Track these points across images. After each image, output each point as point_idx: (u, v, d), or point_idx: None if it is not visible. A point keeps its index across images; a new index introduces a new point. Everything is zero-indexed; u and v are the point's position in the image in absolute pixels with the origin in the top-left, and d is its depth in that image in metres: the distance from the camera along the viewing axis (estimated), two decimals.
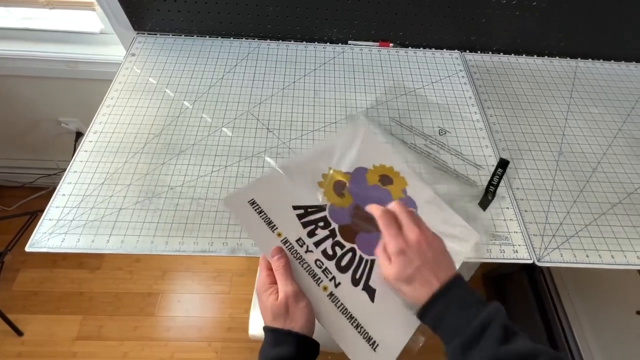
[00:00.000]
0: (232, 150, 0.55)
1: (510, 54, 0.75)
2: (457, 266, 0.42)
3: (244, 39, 0.72)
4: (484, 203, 0.47)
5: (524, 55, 0.75)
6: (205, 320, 1.13)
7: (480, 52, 0.75)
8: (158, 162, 0.53)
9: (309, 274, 0.39)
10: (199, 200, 0.50)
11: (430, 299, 0.33)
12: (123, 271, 1.21)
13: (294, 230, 0.41)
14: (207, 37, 0.72)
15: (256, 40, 0.72)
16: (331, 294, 0.38)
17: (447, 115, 0.63)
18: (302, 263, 0.39)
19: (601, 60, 0.75)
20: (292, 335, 0.35)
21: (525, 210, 0.52)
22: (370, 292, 0.39)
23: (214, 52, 0.69)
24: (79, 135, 1.08)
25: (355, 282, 0.39)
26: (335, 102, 0.62)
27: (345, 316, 0.37)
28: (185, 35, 0.72)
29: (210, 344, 1.08)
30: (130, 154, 0.54)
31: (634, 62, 0.76)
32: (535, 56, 0.75)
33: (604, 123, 0.64)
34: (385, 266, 0.35)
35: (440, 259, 0.35)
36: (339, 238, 0.41)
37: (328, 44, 0.73)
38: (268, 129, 0.58)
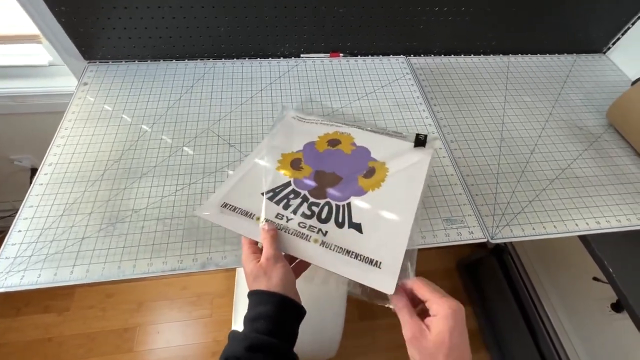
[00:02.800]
0: (195, 167, 0.56)
1: (450, 55, 0.82)
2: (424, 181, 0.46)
3: (198, 60, 0.74)
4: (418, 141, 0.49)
5: (462, 55, 0.82)
6: (189, 348, 1.09)
7: (424, 55, 0.81)
8: (120, 187, 0.53)
9: (296, 236, 0.41)
10: (164, 220, 0.50)
11: None
12: (95, 309, 1.15)
13: (270, 210, 0.43)
14: (161, 60, 0.73)
15: (210, 60, 0.74)
16: (323, 243, 0.40)
17: (399, 116, 0.67)
18: (287, 231, 0.41)
19: (529, 54, 0.84)
20: (269, 294, 0.35)
21: (476, 194, 0.57)
22: (357, 227, 0.41)
23: (169, 75, 0.70)
24: (34, 171, 1.03)
25: (339, 225, 0.42)
26: None
27: (343, 254, 0.39)
28: (138, 61, 0.72)
29: None
30: (89, 182, 0.53)
31: (556, 54, 0.85)
32: (472, 55, 0.82)
33: (536, 109, 0.71)
34: (420, 325, 0.32)
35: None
36: (311, 199, 0.44)
37: (281, 58, 0.76)
38: (229, 143, 0.60)
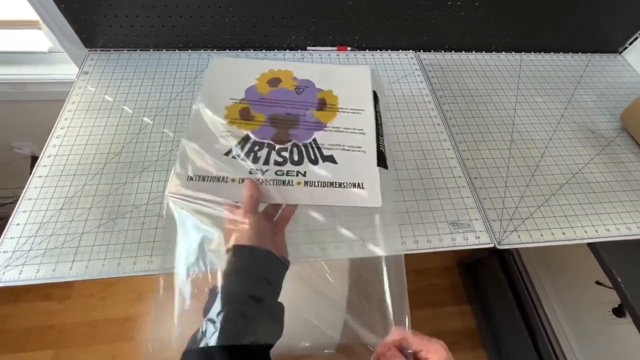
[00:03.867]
0: None
1: (461, 51, 0.79)
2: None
3: (202, 51, 0.72)
4: (380, 156, 0.45)
5: (473, 52, 0.79)
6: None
7: (434, 51, 0.78)
8: (120, 182, 0.52)
9: (278, 185, 0.41)
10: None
11: None
12: (95, 298, 1.15)
13: (240, 169, 0.42)
14: (164, 50, 0.71)
15: (215, 51, 0.72)
16: (306, 182, 0.41)
17: (407, 114, 0.66)
18: (267, 183, 0.41)
19: (542, 53, 0.81)
20: (243, 247, 0.34)
21: (484, 198, 0.56)
22: (330, 159, 0.44)
23: (172, 66, 0.68)
24: (35, 159, 1.02)
25: (313, 162, 0.43)
26: None
27: (327, 187, 0.41)
28: (140, 50, 0.70)
29: None
30: (89, 176, 0.52)
31: (570, 53, 0.82)
32: (483, 52, 0.80)
33: (548, 111, 0.69)
34: None
35: None
36: (278, 146, 0.44)
37: (287, 50, 0.74)
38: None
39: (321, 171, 0.42)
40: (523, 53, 0.81)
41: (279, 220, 0.40)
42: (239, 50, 0.73)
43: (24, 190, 0.50)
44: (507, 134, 0.65)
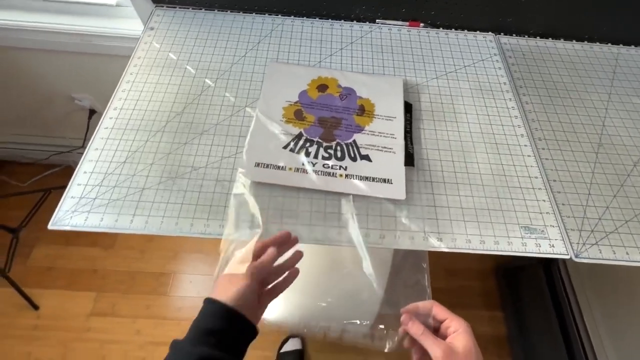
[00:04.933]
0: None
1: (548, 38, 0.71)
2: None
3: (266, 15, 0.69)
4: (408, 157, 0.52)
5: (562, 40, 0.71)
6: None
7: (516, 36, 0.70)
8: (180, 142, 0.52)
9: (325, 175, 0.49)
10: (223, 182, 0.49)
11: None
12: (135, 250, 1.22)
13: (295, 160, 0.50)
14: (229, 11, 0.69)
15: (279, 16, 0.69)
16: (347, 175, 0.49)
17: (481, 102, 0.60)
18: (317, 173, 0.49)
19: None
20: (227, 309, 0.34)
21: (563, 204, 0.50)
22: (367, 158, 0.51)
23: (236, 28, 0.66)
24: (92, 112, 1.06)
25: (353, 159, 0.51)
26: None
27: (363, 180, 0.49)
28: (205, 9, 0.68)
29: None
30: (151, 133, 0.52)
31: None
32: (574, 41, 0.71)
33: None
34: (451, 342, 0.34)
35: None
36: (324, 144, 0.52)
37: (355, 22, 0.69)
38: None
39: (359, 167, 0.50)
40: (621, 46, 0.71)
41: (270, 290, 0.41)
42: (304, 18, 0.69)
43: (91, 140, 0.51)
44: (595, 136, 0.57)
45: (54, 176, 1.29)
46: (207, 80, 0.58)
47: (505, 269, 1.20)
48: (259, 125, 0.53)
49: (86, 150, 0.50)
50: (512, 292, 1.16)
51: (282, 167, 0.49)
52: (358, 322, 0.62)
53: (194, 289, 1.16)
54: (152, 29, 0.65)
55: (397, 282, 0.62)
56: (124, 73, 0.58)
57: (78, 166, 0.48)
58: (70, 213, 0.45)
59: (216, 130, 0.53)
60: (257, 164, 0.49)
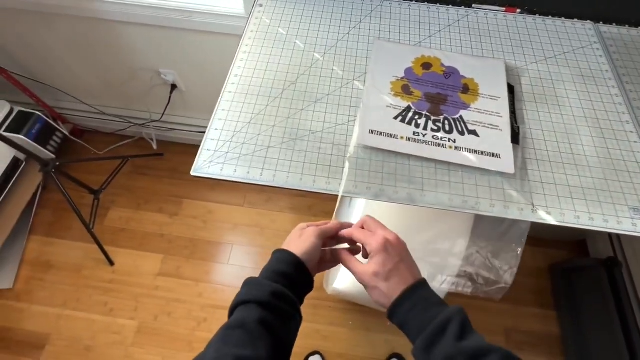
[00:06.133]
0: None
1: None
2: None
3: None
4: (514, 135, 0.54)
5: None
6: None
7: (617, 25, 0.69)
8: (297, 108, 0.56)
9: (435, 146, 0.52)
10: (339, 146, 0.52)
11: (398, 298, 0.36)
12: (198, 220, 1.30)
13: (406, 130, 0.53)
14: None
15: None
16: (456, 147, 0.52)
17: (583, 88, 0.60)
18: (427, 143, 0.52)
19: None
20: (296, 259, 0.38)
21: None
22: (474, 133, 0.54)
23: (338, 8, 0.70)
24: (174, 87, 1.13)
25: (461, 133, 0.53)
26: None
27: (471, 153, 0.52)
28: None
29: None
30: (270, 98, 0.57)
31: None
32: None
33: None
34: (361, 265, 0.39)
35: (412, 260, 0.39)
36: (433, 117, 0.55)
37: (451, 6, 0.71)
38: None
39: (467, 141, 0.53)
40: None
41: (330, 257, 0.44)
42: (402, 1, 0.71)
43: (218, 101, 0.56)
44: None
45: (127, 146, 1.39)
46: (315, 54, 0.62)
47: (562, 269, 1.18)
48: (370, 96, 0.56)
49: (215, 110, 0.55)
50: (568, 292, 1.14)
51: (395, 135, 0.52)
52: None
53: (251, 261, 1.22)
54: (261, 5, 0.69)
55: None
56: (240, 43, 0.63)
57: (210, 124, 0.54)
58: (208, 163, 0.50)
59: (328, 100, 0.57)
60: (371, 131, 0.53)
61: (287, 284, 0.37)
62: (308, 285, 0.40)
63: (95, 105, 1.26)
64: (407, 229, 0.73)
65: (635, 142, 0.54)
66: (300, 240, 0.40)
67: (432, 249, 0.71)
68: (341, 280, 0.80)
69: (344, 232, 0.42)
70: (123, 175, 1.34)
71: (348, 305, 1.14)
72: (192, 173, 0.49)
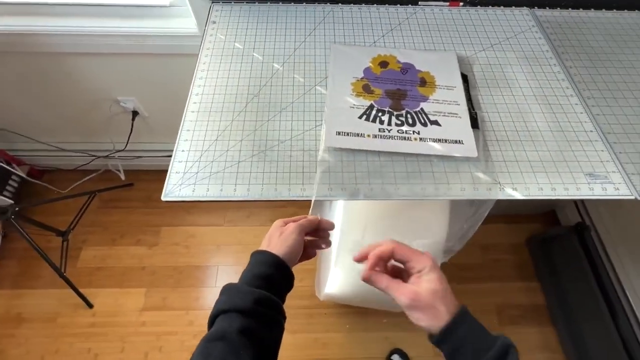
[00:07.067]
0: None
1: (579, 9, 0.75)
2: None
3: (316, 4, 0.73)
4: (473, 120, 0.57)
5: (592, 10, 0.75)
6: None
7: (549, 8, 0.75)
8: (263, 119, 0.56)
9: (401, 139, 0.54)
10: (310, 151, 0.53)
11: (453, 320, 0.32)
12: (179, 246, 1.26)
13: (371, 127, 0.55)
14: (280, 3, 0.73)
15: (328, 4, 0.73)
16: (420, 139, 0.54)
17: (528, 69, 0.64)
18: (392, 138, 0.54)
19: None
20: (276, 259, 0.38)
21: (620, 152, 0.54)
22: (436, 123, 0.56)
23: (291, 17, 0.71)
24: (135, 114, 1.10)
25: (424, 124, 0.56)
26: None
27: (436, 142, 0.54)
28: (259, 2, 0.73)
29: None
30: (235, 113, 0.57)
31: None
32: (603, 10, 0.75)
33: None
34: (411, 285, 0.34)
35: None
36: (395, 112, 0.57)
37: (399, 5, 0.74)
38: None
39: (430, 131, 0.55)
40: None
41: (312, 244, 0.44)
42: (351, 5, 0.74)
43: (182, 121, 0.55)
44: (639, 92, 0.62)
45: (93, 181, 1.33)
46: (275, 65, 0.63)
47: (537, 240, 1.24)
48: (333, 99, 0.58)
49: (179, 131, 0.54)
50: (546, 261, 1.20)
51: (361, 134, 0.54)
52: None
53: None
54: (214, 22, 0.69)
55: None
56: (197, 62, 0.63)
57: (175, 146, 0.53)
58: (178, 186, 0.49)
59: (293, 108, 0.57)
60: (338, 133, 0.54)
61: (268, 287, 0.36)
62: (289, 284, 0.39)
63: (52, 142, 1.20)
64: (387, 227, 0.74)
65: (581, 112, 0.59)
66: (281, 239, 0.40)
67: (415, 235, 0.73)
68: (332, 284, 0.80)
69: (382, 249, 0.36)
70: (92, 212, 1.28)
71: (342, 308, 1.14)
72: (163, 198, 0.48)
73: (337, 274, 0.77)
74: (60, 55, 0.91)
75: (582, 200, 1.23)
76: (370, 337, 1.12)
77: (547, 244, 1.22)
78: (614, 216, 1.07)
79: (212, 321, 0.34)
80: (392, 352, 1.09)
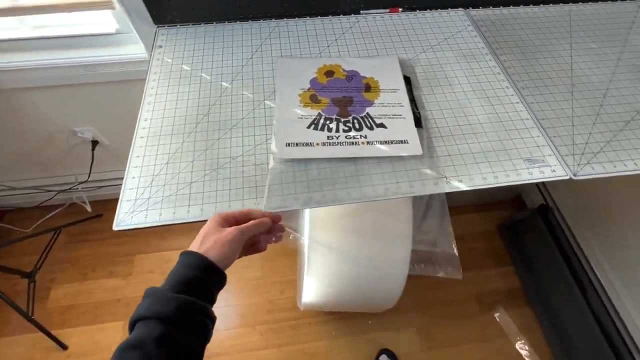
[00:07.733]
0: None
1: (509, 6, 0.80)
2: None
3: (262, 21, 0.75)
4: (417, 120, 0.59)
5: (521, 6, 0.81)
6: (245, 307, 1.16)
7: (482, 8, 0.80)
8: (214, 138, 0.56)
9: (349, 145, 0.55)
10: (262, 165, 0.54)
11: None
12: (155, 273, 1.22)
13: (320, 136, 0.56)
14: (226, 22, 0.75)
15: (274, 20, 0.75)
16: (368, 142, 0.56)
17: (467, 66, 0.68)
18: (341, 144, 0.55)
19: (590, 2, 0.82)
20: (204, 260, 0.37)
21: (554, 136, 0.58)
22: (382, 125, 0.58)
23: (237, 35, 0.72)
24: (95, 143, 1.08)
25: (370, 128, 0.58)
26: None
27: (383, 144, 0.55)
28: (204, 23, 0.74)
29: (254, 327, 1.11)
30: (185, 134, 0.57)
31: (618, 1, 0.83)
32: (531, 5, 0.81)
33: (604, 55, 0.71)
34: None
35: None
36: (342, 119, 0.59)
37: (342, 15, 0.77)
38: None
39: (377, 134, 0.57)
40: (571, 4, 0.82)
41: (254, 247, 0.45)
42: (296, 19, 0.76)
43: (131, 148, 0.55)
44: (567, 79, 0.66)
45: (59, 216, 1.28)
46: (223, 83, 0.64)
47: (507, 226, 1.29)
48: (282, 111, 0.59)
49: (129, 158, 0.54)
50: (517, 245, 1.25)
51: (310, 143, 0.55)
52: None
53: (220, 299, 1.16)
54: (160, 46, 0.70)
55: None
56: (145, 87, 0.63)
57: (126, 173, 0.52)
58: (130, 214, 0.49)
59: (243, 124, 0.58)
60: (288, 144, 0.55)
61: (195, 290, 0.35)
62: (221, 283, 0.38)
63: (8, 181, 1.15)
64: (353, 229, 0.76)
65: (517, 102, 0.63)
66: (217, 244, 0.38)
67: (381, 232, 0.74)
68: (307, 293, 0.80)
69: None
70: (60, 248, 1.23)
71: (326, 316, 1.14)
72: (115, 228, 0.47)
73: (311, 283, 0.78)
74: (7, 92, 0.89)
75: (544, 183, 1.30)
76: (356, 340, 1.12)
77: (515, 228, 1.27)
78: (573, 195, 1.13)
79: (132, 326, 0.33)
80: (380, 353, 1.09)
